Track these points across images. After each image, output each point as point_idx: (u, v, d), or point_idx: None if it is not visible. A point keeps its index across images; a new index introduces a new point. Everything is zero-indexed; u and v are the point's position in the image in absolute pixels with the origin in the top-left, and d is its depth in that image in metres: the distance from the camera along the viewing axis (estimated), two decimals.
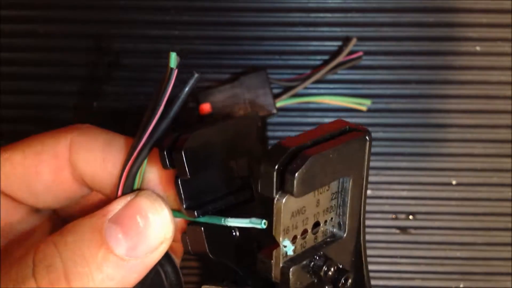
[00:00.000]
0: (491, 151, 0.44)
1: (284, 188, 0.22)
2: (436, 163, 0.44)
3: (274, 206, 0.23)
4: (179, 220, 0.27)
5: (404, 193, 0.44)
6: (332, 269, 0.25)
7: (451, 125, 0.44)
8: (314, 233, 0.26)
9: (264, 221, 0.23)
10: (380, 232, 0.44)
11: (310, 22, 0.43)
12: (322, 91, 0.43)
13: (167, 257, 0.29)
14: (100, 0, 0.43)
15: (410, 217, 0.44)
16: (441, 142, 0.44)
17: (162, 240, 0.26)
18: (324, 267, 0.25)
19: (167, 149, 0.25)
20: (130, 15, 0.43)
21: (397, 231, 0.44)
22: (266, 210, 0.24)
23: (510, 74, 0.43)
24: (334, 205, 0.26)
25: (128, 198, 0.26)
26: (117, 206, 0.26)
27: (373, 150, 0.31)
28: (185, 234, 0.27)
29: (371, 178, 0.28)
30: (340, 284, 0.25)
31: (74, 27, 0.43)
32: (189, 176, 0.25)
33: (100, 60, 0.43)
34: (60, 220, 0.32)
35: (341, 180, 0.26)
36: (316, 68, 0.43)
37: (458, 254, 0.44)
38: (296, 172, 0.22)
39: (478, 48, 0.43)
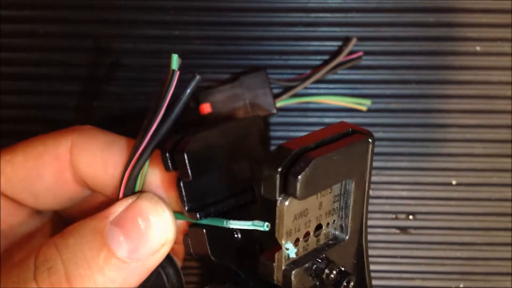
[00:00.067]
0: (491, 151, 0.44)
1: (287, 190, 0.22)
2: (436, 163, 0.44)
3: (277, 209, 0.23)
4: (181, 222, 0.27)
5: (404, 193, 0.44)
6: (334, 272, 0.25)
7: (451, 125, 0.44)
8: (317, 236, 0.26)
9: (267, 223, 0.23)
10: (380, 232, 0.44)
11: (310, 22, 0.43)
12: (322, 91, 0.43)
13: (168, 259, 0.29)
14: (100, 0, 0.43)
15: (410, 217, 0.44)
16: (441, 142, 0.44)
17: (164, 243, 0.26)
18: (326, 270, 0.25)
19: (169, 151, 0.25)
20: (130, 15, 0.43)
21: (397, 231, 0.44)
22: (268, 212, 0.24)
23: (510, 74, 0.43)
24: (337, 207, 0.26)
25: (129, 200, 0.26)
26: (118, 208, 0.26)
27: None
28: (187, 236, 0.27)
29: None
30: (342, 287, 0.25)
31: (74, 27, 0.43)
32: (191, 178, 0.25)
33: (100, 60, 0.43)
34: (61, 221, 0.32)
35: (343, 182, 0.26)
36: (316, 68, 0.43)
37: (458, 254, 0.44)
38: (299, 174, 0.22)
39: (478, 48, 0.43)
